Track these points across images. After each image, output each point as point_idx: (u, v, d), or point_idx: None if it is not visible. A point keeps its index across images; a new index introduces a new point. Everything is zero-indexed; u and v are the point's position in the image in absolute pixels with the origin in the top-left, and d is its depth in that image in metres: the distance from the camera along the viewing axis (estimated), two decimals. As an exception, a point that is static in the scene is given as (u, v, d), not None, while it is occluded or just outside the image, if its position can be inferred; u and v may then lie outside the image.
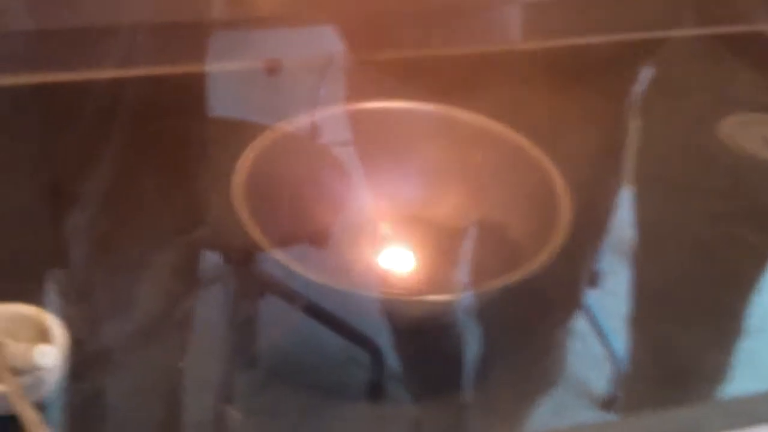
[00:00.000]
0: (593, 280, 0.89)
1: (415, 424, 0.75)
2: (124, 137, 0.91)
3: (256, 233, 0.76)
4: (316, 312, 0.80)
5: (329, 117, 0.91)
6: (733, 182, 1.00)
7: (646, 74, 1.13)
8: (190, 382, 0.74)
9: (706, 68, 1.15)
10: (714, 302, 0.87)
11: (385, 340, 0.78)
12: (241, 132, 0.89)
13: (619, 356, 0.81)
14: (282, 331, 0.80)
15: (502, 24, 1.14)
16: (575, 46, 1.14)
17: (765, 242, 0.93)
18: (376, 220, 0.89)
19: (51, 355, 0.68)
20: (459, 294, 0.81)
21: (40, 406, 0.68)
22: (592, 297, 0.87)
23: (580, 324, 0.84)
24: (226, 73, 1.08)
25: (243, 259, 0.84)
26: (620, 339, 0.82)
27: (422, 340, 0.80)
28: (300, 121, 0.88)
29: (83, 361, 0.72)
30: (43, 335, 0.71)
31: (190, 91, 1.02)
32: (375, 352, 0.79)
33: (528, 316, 0.82)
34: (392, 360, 0.79)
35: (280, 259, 0.76)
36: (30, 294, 0.74)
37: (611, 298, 0.86)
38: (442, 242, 0.87)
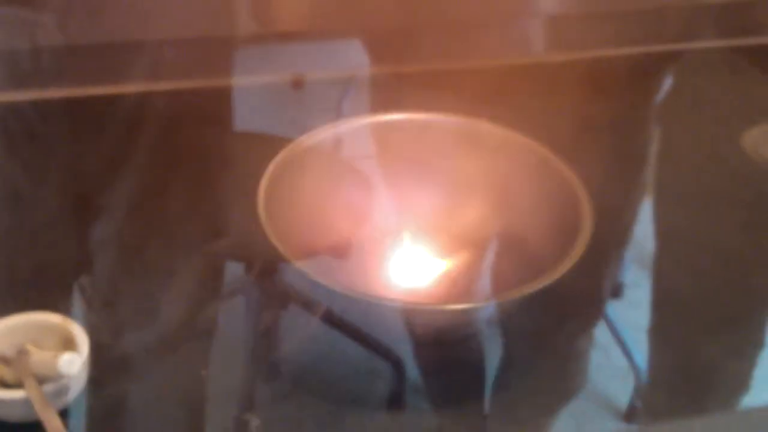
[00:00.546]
0: (615, 291, 0.88)
1: (436, 434, 0.75)
2: (151, 150, 0.92)
3: (279, 244, 0.76)
4: (337, 322, 0.80)
5: (352, 129, 0.91)
6: (756, 192, 1.00)
7: (668, 86, 1.13)
8: (213, 391, 0.75)
9: (728, 80, 1.15)
10: (736, 313, 0.87)
11: (406, 349, 0.79)
12: (265, 145, 0.90)
13: (640, 367, 0.80)
14: (304, 341, 0.81)
15: (526, 37, 1.14)
16: (598, 59, 1.14)
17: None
18: (399, 231, 0.89)
19: (75, 363, 0.69)
20: (480, 303, 0.81)
21: (64, 413, 0.69)
22: (614, 307, 0.86)
23: (601, 334, 0.83)
24: (252, 87, 1.09)
25: (266, 269, 0.85)
26: (642, 350, 0.82)
27: (443, 349, 0.80)
28: (323, 134, 0.89)
29: (107, 369, 0.73)
30: (67, 343, 0.72)
31: (215, 105, 1.03)
32: (396, 362, 0.79)
33: (549, 327, 0.82)
34: (413, 370, 0.79)
35: (303, 270, 0.76)
36: (55, 303, 0.75)
37: (633, 308, 0.86)
38: (464, 253, 0.88)
